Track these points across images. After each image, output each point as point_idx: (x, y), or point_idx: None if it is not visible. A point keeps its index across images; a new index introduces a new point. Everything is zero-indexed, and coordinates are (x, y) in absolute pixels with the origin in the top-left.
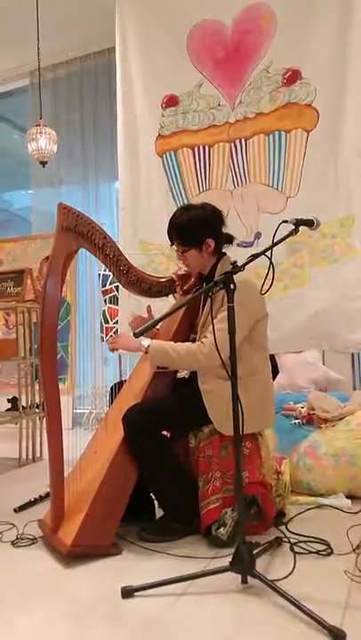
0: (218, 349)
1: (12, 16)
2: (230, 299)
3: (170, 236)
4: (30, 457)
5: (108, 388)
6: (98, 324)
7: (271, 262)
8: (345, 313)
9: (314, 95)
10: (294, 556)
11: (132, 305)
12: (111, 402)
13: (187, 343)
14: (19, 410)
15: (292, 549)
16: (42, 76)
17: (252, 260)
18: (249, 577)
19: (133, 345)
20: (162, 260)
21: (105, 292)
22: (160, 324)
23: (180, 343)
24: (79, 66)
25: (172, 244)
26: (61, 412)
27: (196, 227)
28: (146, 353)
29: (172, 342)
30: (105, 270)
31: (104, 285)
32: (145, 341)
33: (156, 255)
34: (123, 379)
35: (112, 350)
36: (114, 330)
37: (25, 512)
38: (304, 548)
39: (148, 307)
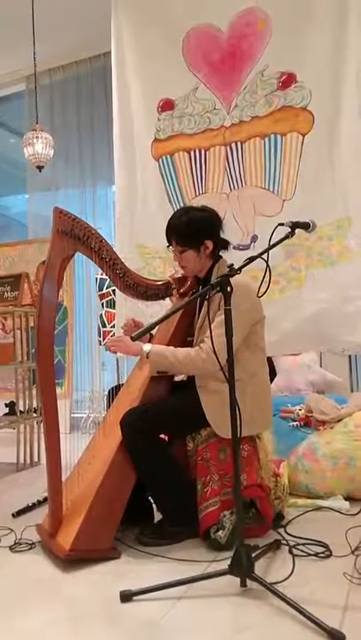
0: (216, 355)
1: (8, 21)
2: (227, 301)
3: (168, 236)
4: (28, 461)
5: (106, 392)
6: (95, 328)
7: (268, 265)
8: (342, 315)
9: (309, 98)
10: (293, 559)
11: (129, 308)
12: (109, 406)
13: (186, 348)
14: (16, 414)
15: (290, 552)
16: (38, 80)
17: (248, 263)
18: (248, 580)
19: (134, 349)
20: (158, 263)
21: (102, 296)
22: (157, 327)
23: (179, 348)
24: (75, 70)
25: (170, 245)
26: (59, 417)
27: (196, 228)
28: (147, 358)
29: (171, 347)
30: (102, 274)
31: (101, 289)
32: (146, 347)
33: (153, 258)
34: (120, 382)
35: (114, 352)
36: (111, 334)
37: (23, 517)
38: (303, 551)
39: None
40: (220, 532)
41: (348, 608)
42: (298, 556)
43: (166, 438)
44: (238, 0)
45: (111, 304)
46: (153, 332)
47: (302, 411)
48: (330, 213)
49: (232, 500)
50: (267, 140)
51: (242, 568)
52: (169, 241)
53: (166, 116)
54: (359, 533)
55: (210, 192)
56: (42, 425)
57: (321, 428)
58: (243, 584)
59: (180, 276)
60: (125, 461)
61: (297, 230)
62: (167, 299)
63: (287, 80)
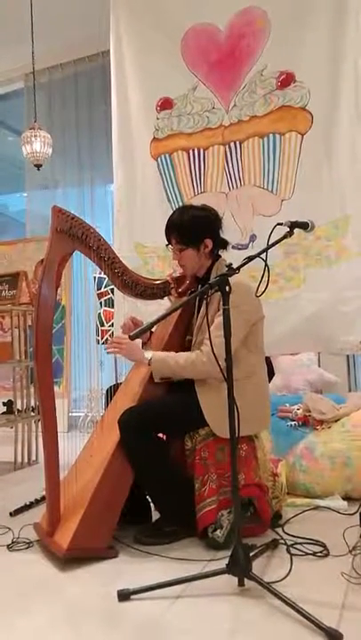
0: (216, 358)
1: (7, 19)
2: (226, 301)
3: (168, 234)
4: (26, 460)
5: (104, 391)
6: (93, 327)
7: (266, 264)
8: (340, 315)
9: (308, 98)
10: (291, 558)
11: (127, 307)
12: (107, 405)
13: (187, 352)
14: (14, 413)
15: (288, 551)
16: (36, 78)
17: (247, 263)
18: (246, 579)
19: (136, 356)
20: (157, 262)
21: (100, 295)
22: (155, 326)
23: (180, 353)
24: (74, 69)
25: (169, 244)
26: (57, 416)
27: (196, 226)
28: (149, 365)
29: (172, 353)
30: (100, 273)
31: (99, 288)
32: (147, 354)
33: (151, 257)
34: (118, 381)
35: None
36: (109, 332)
37: (21, 516)
38: (301, 550)
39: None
40: (217, 532)
41: (345, 607)
42: (295, 555)
43: (164, 437)
44: None
45: (109, 303)
46: (152, 330)
47: (300, 410)
48: (328, 213)
49: (230, 500)
50: (265, 139)
51: (240, 567)
52: (168, 239)
53: (165, 115)
54: (357, 533)
55: (209, 191)
56: (40, 424)
57: (319, 427)
58: (240, 583)
59: (178, 275)
60: (123, 460)
61: (295, 230)
62: (166, 298)
63: (286, 79)
